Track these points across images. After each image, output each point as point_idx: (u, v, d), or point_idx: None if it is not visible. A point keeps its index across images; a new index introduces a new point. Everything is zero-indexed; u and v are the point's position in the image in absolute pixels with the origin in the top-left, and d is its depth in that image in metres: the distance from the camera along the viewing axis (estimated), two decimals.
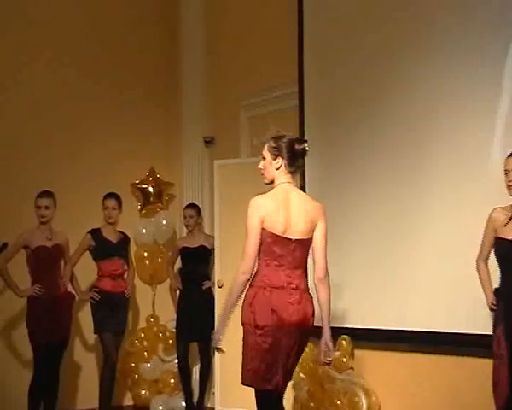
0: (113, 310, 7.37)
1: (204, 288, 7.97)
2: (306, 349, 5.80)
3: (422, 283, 5.97)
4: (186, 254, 8.02)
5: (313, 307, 4.68)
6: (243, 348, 4.63)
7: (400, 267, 6.16)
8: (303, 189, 6.69)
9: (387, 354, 6.31)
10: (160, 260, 8.73)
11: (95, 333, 7.49)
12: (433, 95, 5.96)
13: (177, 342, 7.97)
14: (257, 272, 4.64)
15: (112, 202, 7.52)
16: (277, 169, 4.72)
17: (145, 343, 8.45)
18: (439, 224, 5.86)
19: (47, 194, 7.08)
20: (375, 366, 6.37)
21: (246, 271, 4.58)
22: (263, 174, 4.81)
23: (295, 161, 4.73)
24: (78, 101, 8.51)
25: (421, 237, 6.00)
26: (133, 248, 8.35)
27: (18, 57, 8.20)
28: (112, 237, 7.54)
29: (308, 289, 4.69)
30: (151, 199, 8.84)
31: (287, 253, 4.61)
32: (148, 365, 8.41)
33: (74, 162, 8.42)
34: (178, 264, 8.26)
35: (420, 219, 6.02)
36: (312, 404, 6.43)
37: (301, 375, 6.60)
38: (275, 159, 4.72)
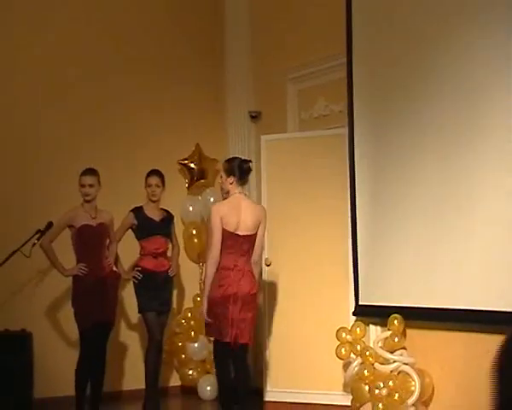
0: (156, 290, 7.29)
1: None
2: (357, 329, 5.92)
3: (477, 260, 5.76)
4: None
5: (254, 281, 6.33)
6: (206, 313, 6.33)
7: (454, 244, 5.95)
8: (352, 160, 6.84)
9: (441, 334, 6.14)
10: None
11: (139, 313, 7.43)
12: (486, 68, 5.71)
13: None
14: None
15: (155, 180, 7.41)
16: (231, 184, 6.33)
17: (192, 323, 8.35)
18: (493, 199, 5.65)
19: (91, 172, 6.99)
20: (428, 345, 6.22)
21: (214, 256, 6.23)
22: (221, 187, 6.51)
23: (243, 177, 6.34)
24: (122, 79, 8.48)
25: (475, 214, 5.79)
26: (181, 226, 8.28)
27: (70, 36, 8.28)
28: (155, 215, 7.43)
29: (250, 270, 6.31)
30: (196, 176, 8.71)
31: (236, 245, 6.24)
32: (196, 345, 8.33)
33: (119, 140, 8.40)
34: None
35: (472, 195, 5.80)
36: (364, 385, 6.27)
37: (352, 355, 6.48)
38: (228, 176, 6.32)
